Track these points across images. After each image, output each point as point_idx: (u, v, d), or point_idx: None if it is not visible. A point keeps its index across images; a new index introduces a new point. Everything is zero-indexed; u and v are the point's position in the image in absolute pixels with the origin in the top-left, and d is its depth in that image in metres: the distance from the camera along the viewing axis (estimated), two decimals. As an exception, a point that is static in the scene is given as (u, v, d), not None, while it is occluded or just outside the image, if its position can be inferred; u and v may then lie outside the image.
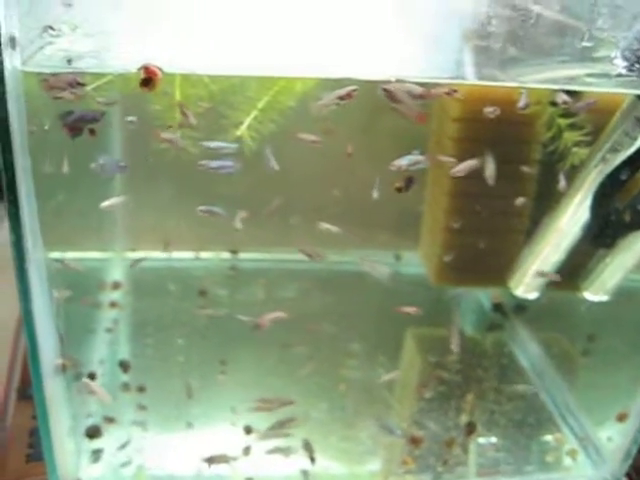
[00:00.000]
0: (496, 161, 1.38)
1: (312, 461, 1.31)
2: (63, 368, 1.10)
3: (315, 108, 0.99)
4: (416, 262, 1.73)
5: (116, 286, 1.68)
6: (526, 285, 1.45)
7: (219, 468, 1.32)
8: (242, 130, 1.15)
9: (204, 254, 1.86)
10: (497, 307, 1.77)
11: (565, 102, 1.14)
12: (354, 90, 0.98)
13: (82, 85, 0.94)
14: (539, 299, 1.47)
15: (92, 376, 1.40)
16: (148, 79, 0.85)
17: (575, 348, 1.61)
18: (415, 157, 1.10)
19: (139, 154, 1.47)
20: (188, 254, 1.85)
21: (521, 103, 1.13)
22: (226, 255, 1.83)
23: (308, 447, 1.31)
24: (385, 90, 0.99)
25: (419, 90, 1.03)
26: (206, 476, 1.32)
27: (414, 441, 1.39)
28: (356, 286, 1.82)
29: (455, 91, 1.12)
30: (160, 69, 0.86)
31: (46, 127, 0.98)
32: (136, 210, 1.60)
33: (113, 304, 1.64)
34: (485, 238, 1.46)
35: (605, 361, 1.50)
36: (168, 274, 1.80)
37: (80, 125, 1.04)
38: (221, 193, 1.47)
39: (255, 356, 1.58)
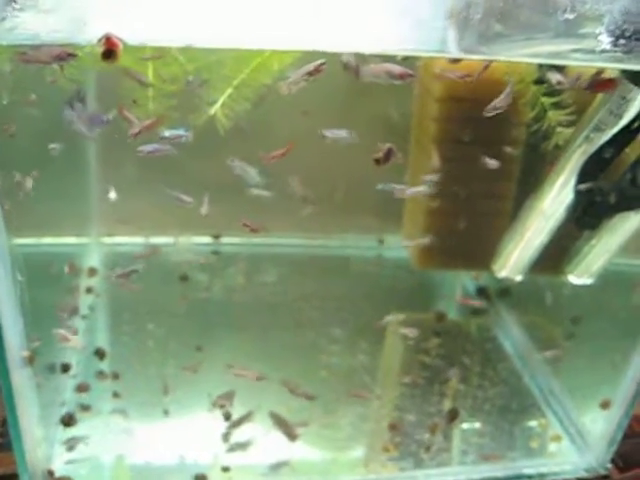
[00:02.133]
0: (479, 142, 1.35)
1: (293, 438, 1.26)
2: (30, 360, 1.07)
3: (284, 87, 0.95)
4: (399, 246, 1.71)
5: (92, 272, 1.64)
6: (510, 268, 1.43)
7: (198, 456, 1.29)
8: (216, 108, 1.11)
9: (185, 239, 1.83)
10: (481, 291, 1.75)
11: (560, 82, 1.10)
12: (322, 64, 0.93)
13: (74, 56, 0.88)
14: (523, 283, 1.45)
15: (66, 367, 1.37)
16: (109, 51, 0.80)
17: (559, 332, 1.59)
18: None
19: (114, 134, 1.43)
20: (168, 239, 1.83)
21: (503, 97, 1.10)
22: (208, 239, 1.81)
23: (285, 426, 1.27)
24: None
25: (398, 70, 0.99)
26: (186, 464, 1.30)
27: (395, 428, 1.37)
28: (338, 270, 1.80)
29: (468, 76, 1.10)
30: (122, 40, 0.82)
31: (4, 102, 0.94)
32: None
33: (89, 290, 1.60)
34: (468, 221, 1.43)
35: (590, 345, 1.48)
36: (147, 259, 1.76)
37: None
38: (197, 174, 1.44)
39: (235, 342, 1.56)
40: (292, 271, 1.77)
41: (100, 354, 1.41)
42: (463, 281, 1.81)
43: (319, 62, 0.94)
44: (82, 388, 1.35)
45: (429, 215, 1.50)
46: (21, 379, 1.06)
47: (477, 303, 1.37)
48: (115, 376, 1.39)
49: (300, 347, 1.55)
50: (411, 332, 1.43)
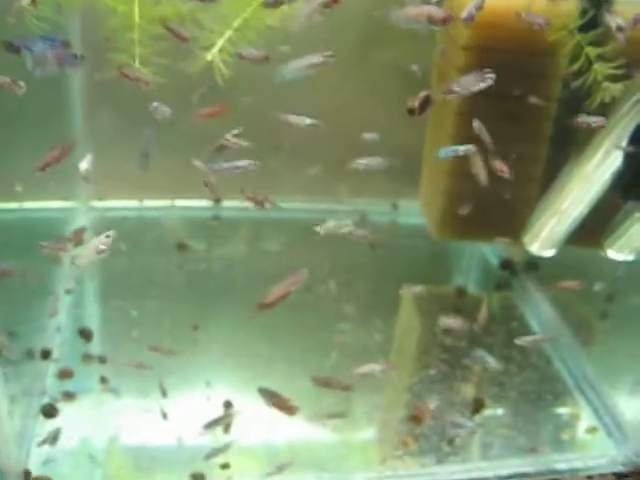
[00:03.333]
0: (508, 96, 1.22)
1: (291, 412, 1.11)
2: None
3: (295, 23, 0.80)
4: (415, 212, 1.59)
5: (79, 240, 1.50)
6: (542, 241, 1.30)
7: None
8: (213, 54, 0.96)
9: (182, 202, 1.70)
10: (506, 264, 1.62)
11: (620, 27, 0.94)
12: None
13: None
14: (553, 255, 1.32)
15: (46, 353, 1.24)
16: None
17: (593, 310, 1.46)
18: None
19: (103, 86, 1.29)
20: (164, 202, 1.70)
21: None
22: (208, 203, 1.69)
23: (279, 401, 1.12)
24: None
25: (440, 14, 0.85)
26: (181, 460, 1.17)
27: (415, 419, 1.23)
28: (348, 238, 1.66)
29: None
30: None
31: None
32: (103, 153, 1.43)
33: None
34: (494, 186, 1.29)
35: (627, 325, 1.36)
36: (140, 226, 1.63)
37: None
38: (194, 130, 1.30)
39: (236, 318, 1.42)
40: (298, 239, 1.64)
41: (86, 335, 1.28)
42: (485, 252, 1.67)
43: None
44: (65, 374, 1.22)
45: (450, 178, 1.39)
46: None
47: (573, 284, 1.24)
48: (102, 359, 1.26)
49: (308, 324, 1.43)
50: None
